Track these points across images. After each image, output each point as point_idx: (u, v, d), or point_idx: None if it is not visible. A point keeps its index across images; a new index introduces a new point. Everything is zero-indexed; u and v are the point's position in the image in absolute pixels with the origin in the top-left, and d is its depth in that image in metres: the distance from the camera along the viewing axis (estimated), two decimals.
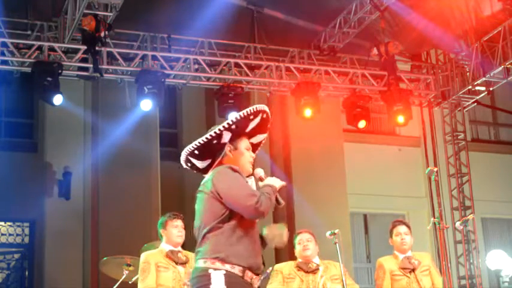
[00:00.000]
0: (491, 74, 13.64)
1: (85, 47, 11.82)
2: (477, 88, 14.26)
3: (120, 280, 8.85)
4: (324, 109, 13.44)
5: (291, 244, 8.04)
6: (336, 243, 7.25)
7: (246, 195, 4.64)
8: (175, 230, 7.43)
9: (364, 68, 13.94)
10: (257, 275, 4.72)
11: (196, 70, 12.87)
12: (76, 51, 11.99)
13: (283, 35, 13.58)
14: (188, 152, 4.92)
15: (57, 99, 11.69)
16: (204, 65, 12.87)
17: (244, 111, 4.91)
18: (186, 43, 13.13)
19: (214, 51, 13.26)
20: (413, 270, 7.52)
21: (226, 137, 4.92)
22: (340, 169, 14.92)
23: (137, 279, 7.66)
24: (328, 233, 7.31)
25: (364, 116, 13.70)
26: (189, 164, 5.02)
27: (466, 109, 15.09)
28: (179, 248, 7.51)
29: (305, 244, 7.75)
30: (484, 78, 13.82)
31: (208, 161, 5.00)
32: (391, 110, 13.84)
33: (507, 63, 13.22)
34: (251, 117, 4.94)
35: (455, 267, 14.55)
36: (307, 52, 13.87)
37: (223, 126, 4.84)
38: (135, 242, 9.55)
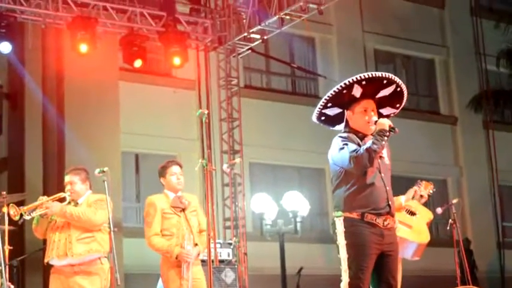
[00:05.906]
0: (267, 23, 14.01)
1: None
2: (252, 36, 14.59)
3: None
4: (101, 46, 13.23)
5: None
6: (104, 181, 7.22)
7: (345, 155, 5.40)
8: None
9: (143, 7, 13.84)
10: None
11: None
12: None
13: None
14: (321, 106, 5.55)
15: None
16: None
17: (380, 73, 5.42)
18: None
19: None
20: (183, 209, 7.68)
21: (357, 91, 5.42)
22: (114, 108, 14.79)
23: None
24: (97, 171, 7.25)
25: (141, 55, 13.66)
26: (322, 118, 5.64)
27: (241, 56, 15.42)
28: None
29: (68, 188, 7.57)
30: (259, 27, 14.17)
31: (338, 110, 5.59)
32: (167, 51, 13.90)
33: (282, 13, 13.61)
34: (384, 81, 5.42)
35: (221, 209, 14.94)
36: None
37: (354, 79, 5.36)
38: None
